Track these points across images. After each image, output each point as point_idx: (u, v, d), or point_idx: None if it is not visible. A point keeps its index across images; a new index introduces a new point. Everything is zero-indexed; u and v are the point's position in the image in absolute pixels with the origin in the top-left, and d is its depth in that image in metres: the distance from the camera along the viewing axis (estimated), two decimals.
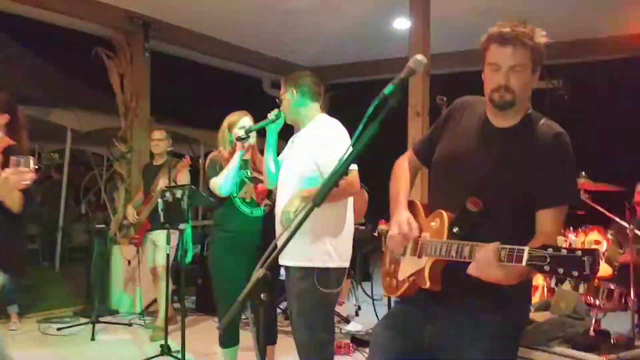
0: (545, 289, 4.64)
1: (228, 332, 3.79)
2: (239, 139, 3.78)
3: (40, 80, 9.36)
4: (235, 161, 3.81)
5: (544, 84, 7.02)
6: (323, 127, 3.23)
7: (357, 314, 6.35)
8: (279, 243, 1.70)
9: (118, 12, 6.79)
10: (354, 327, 5.81)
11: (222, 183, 3.80)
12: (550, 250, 1.65)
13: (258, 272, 1.58)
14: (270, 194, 3.90)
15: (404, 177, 2.36)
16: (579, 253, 1.60)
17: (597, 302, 4.22)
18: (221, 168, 3.87)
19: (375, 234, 5.29)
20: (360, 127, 1.71)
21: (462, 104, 2.27)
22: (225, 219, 3.94)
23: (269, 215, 3.77)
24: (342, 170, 1.69)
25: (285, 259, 3.13)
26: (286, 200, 3.17)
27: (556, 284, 4.37)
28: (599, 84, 8.64)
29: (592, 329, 3.92)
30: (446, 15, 6.25)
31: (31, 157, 2.81)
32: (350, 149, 1.73)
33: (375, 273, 7.26)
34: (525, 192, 2.01)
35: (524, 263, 1.70)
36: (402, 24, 7.17)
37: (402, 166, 2.41)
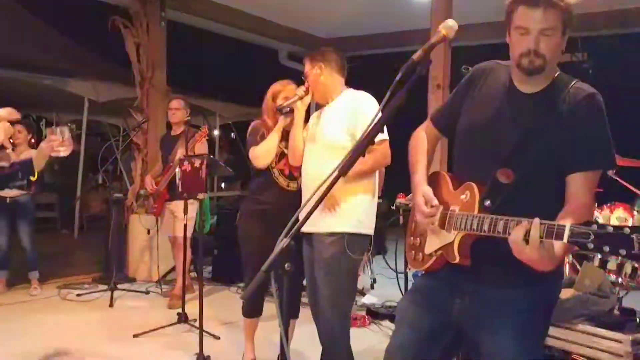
0: (568, 265, 4.59)
1: (252, 302, 3.80)
2: (281, 110, 3.64)
3: (58, 50, 9.35)
4: (276, 132, 3.67)
5: (568, 57, 6.89)
6: (355, 98, 3.25)
7: (372, 287, 6.35)
8: (303, 213, 1.67)
9: None
10: (369, 299, 5.83)
11: (261, 153, 3.68)
12: (594, 226, 1.55)
13: (282, 242, 1.55)
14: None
15: (422, 149, 2.27)
16: (627, 230, 1.50)
17: (620, 280, 4.16)
18: (263, 137, 3.73)
19: (393, 207, 5.27)
20: (388, 94, 1.65)
21: (483, 70, 2.16)
22: (261, 190, 3.79)
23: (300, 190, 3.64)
24: (369, 139, 1.65)
25: (312, 226, 3.14)
26: (314, 169, 3.23)
27: (581, 261, 4.31)
28: (625, 58, 8.45)
29: (617, 307, 3.86)
30: None
31: (67, 127, 2.85)
32: (377, 117, 1.67)
33: (389, 246, 7.23)
34: (558, 160, 1.92)
35: (565, 239, 1.59)
36: None
37: (420, 137, 2.32)
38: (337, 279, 3.17)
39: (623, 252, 1.51)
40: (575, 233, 1.58)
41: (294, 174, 3.69)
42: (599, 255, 4.14)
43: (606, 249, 1.53)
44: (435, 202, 2.06)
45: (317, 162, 3.25)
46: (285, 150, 3.68)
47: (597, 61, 7.57)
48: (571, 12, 1.90)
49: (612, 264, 4.11)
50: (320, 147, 3.26)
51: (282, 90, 3.79)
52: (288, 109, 3.59)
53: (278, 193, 3.71)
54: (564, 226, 1.60)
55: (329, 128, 3.24)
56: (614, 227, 1.53)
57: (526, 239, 1.68)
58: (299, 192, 3.63)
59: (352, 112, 3.17)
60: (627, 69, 8.69)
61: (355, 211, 3.17)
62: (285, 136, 3.68)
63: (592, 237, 1.55)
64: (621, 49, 8.49)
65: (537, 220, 1.67)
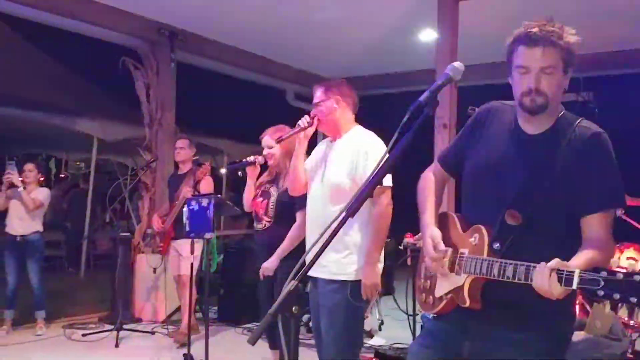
0: (579, 307, 4.53)
1: (275, 334, 3.84)
2: (248, 163, 4.11)
3: (68, 89, 9.49)
4: (250, 181, 4.15)
5: (574, 96, 6.91)
6: (361, 139, 3.20)
7: (380, 328, 6.26)
8: (311, 254, 1.65)
9: (145, 23, 6.85)
10: (377, 341, 5.75)
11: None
12: (604, 273, 1.52)
13: (290, 285, 1.53)
14: (266, 211, 4.05)
15: (430, 191, 2.27)
16: (638, 277, 1.48)
17: (632, 323, 4.09)
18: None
19: (401, 247, 5.23)
20: (395, 135, 1.66)
21: (488, 111, 2.16)
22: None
23: (270, 229, 4.00)
24: (376, 180, 1.64)
25: (317, 271, 3.12)
26: (318, 211, 3.19)
27: (591, 303, 4.25)
28: (631, 97, 8.48)
29: (629, 350, 3.79)
30: (474, 27, 6.19)
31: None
32: (385, 158, 1.67)
33: (399, 287, 7.16)
34: (567, 200, 1.91)
35: (574, 286, 1.59)
36: (428, 35, 7.12)
37: (428, 179, 2.31)
38: (341, 326, 3.08)
39: (634, 299, 1.48)
40: (585, 280, 1.56)
41: (259, 215, 4.06)
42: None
43: (616, 296, 1.50)
44: (442, 246, 2.04)
45: (321, 203, 3.20)
46: (258, 194, 4.11)
47: (603, 101, 7.58)
48: (571, 50, 1.91)
49: (623, 309, 4.04)
50: (325, 187, 3.20)
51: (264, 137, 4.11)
52: (252, 162, 4.10)
53: (256, 233, 4.16)
54: (573, 272, 1.59)
55: (333, 170, 3.19)
56: (624, 274, 1.50)
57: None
58: (270, 230, 3.99)
59: (355, 154, 3.11)
60: (634, 108, 8.72)
61: (358, 258, 3.08)
62: (267, 179, 4.13)
63: (602, 284, 1.52)
64: (627, 89, 8.52)
65: (544, 265, 1.68)
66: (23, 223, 5.86)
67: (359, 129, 3.29)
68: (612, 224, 1.94)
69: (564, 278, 1.61)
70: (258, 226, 4.08)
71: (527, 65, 1.90)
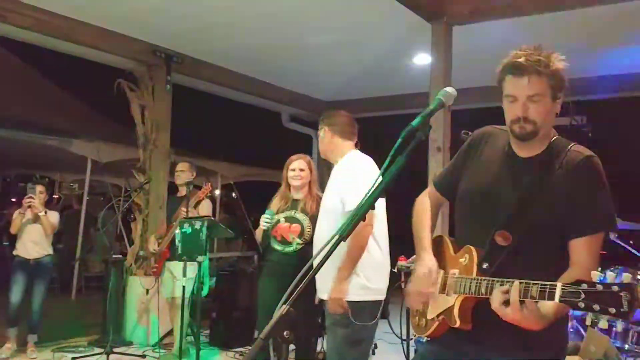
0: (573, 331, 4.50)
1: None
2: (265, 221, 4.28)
3: (64, 111, 9.50)
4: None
5: (567, 120, 6.97)
6: (351, 164, 3.34)
7: (373, 353, 6.20)
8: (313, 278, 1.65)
9: (142, 46, 6.88)
10: None
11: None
12: (584, 285, 1.55)
13: (281, 309, 1.52)
14: (302, 234, 4.20)
15: (426, 215, 2.30)
16: (616, 288, 1.49)
17: (626, 347, 4.07)
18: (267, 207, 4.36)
19: (394, 270, 5.21)
20: (388, 159, 1.67)
21: (482, 135, 2.20)
22: (265, 252, 4.37)
23: (300, 253, 4.17)
24: (369, 203, 1.64)
25: (322, 293, 3.20)
26: (320, 236, 3.34)
27: (584, 327, 4.24)
28: (624, 121, 8.55)
29: None
30: (467, 51, 6.24)
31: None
32: (378, 182, 1.68)
33: (392, 310, 7.11)
34: (557, 223, 1.92)
35: (556, 299, 1.60)
36: (422, 59, 7.17)
37: (424, 203, 2.34)
38: (345, 347, 3.12)
39: (612, 310, 1.50)
40: (567, 292, 1.58)
41: (287, 239, 4.20)
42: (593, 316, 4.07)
43: (596, 307, 1.52)
44: (432, 288, 2.07)
45: (320, 227, 3.39)
46: (282, 220, 4.23)
47: (596, 124, 7.65)
48: (559, 76, 1.93)
49: (619, 327, 4.02)
50: (323, 212, 3.39)
51: (294, 161, 4.34)
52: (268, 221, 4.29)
53: (276, 255, 4.24)
54: (555, 285, 1.61)
55: (327, 195, 3.39)
56: (604, 285, 1.52)
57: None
58: (298, 252, 4.15)
59: (343, 179, 3.29)
60: (626, 132, 8.79)
61: (358, 278, 3.14)
62: (292, 205, 4.29)
63: (582, 296, 1.54)
64: (620, 113, 8.60)
65: (516, 282, 1.72)
66: (37, 247, 5.87)
67: (353, 155, 3.41)
68: (599, 248, 1.94)
69: (547, 291, 1.63)
70: (287, 249, 4.19)
71: (515, 94, 1.94)
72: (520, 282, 1.73)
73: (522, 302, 1.70)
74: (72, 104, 10.10)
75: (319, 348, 5.06)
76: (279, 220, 4.25)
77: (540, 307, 1.72)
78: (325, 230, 3.29)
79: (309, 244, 4.09)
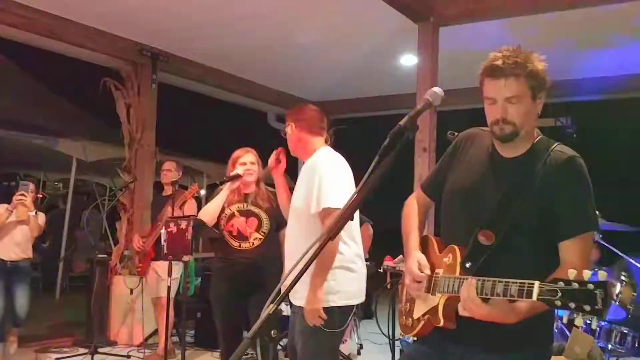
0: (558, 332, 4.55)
1: None
2: (228, 179, 3.98)
3: (50, 110, 9.42)
4: (219, 198, 4.01)
5: (552, 121, 7.03)
6: (318, 163, 3.15)
7: (359, 353, 6.22)
8: (289, 279, 1.64)
9: (128, 44, 6.84)
10: None
11: (203, 212, 4.04)
12: (561, 283, 1.57)
13: (268, 308, 1.52)
14: (260, 228, 4.02)
15: (414, 217, 2.31)
16: (591, 286, 1.52)
17: (610, 347, 4.12)
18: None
19: (380, 270, 5.23)
20: (376, 159, 1.67)
21: (468, 136, 2.22)
22: (219, 251, 4.13)
23: (259, 248, 4.00)
24: (357, 203, 1.64)
25: (292, 297, 3.08)
26: (290, 234, 3.21)
27: (569, 328, 4.27)
28: (609, 123, 8.64)
29: None
30: (454, 51, 6.28)
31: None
32: (365, 182, 1.68)
33: (379, 310, 7.14)
34: (540, 222, 1.93)
35: (534, 298, 1.62)
36: (409, 60, 7.20)
37: (412, 205, 2.36)
38: (313, 352, 3.02)
39: (587, 307, 1.52)
40: (544, 291, 1.60)
41: (244, 234, 3.99)
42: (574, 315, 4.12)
43: (572, 305, 1.54)
44: (427, 270, 2.06)
45: (291, 228, 3.24)
46: (236, 212, 4.02)
47: (581, 125, 7.73)
48: (538, 77, 1.94)
49: (594, 324, 4.08)
50: (293, 210, 3.23)
51: (241, 157, 4.11)
52: (234, 177, 3.98)
53: (232, 253, 4.02)
54: (533, 284, 1.63)
55: (295, 195, 3.23)
56: (580, 282, 1.54)
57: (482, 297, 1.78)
58: (260, 248, 3.96)
59: (310, 178, 3.08)
60: (610, 133, 8.88)
61: (327, 285, 2.96)
62: (238, 199, 4.04)
63: (559, 294, 1.56)
64: (604, 114, 8.69)
65: (471, 279, 1.80)
66: (18, 249, 5.43)
67: (322, 152, 3.22)
68: (588, 248, 1.97)
69: (525, 290, 1.65)
70: (243, 245, 4.01)
71: (493, 96, 1.96)
72: (499, 281, 1.74)
73: (487, 299, 1.76)
74: (57, 103, 10.01)
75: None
76: (233, 214, 4.03)
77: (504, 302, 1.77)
78: (295, 230, 3.17)
79: (268, 239, 4.00)
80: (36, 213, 5.47)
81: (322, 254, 2.92)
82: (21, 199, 5.29)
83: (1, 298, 5.37)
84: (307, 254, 1.59)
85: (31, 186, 5.51)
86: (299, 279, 1.55)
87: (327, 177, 3.02)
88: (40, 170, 11.73)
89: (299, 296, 3.02)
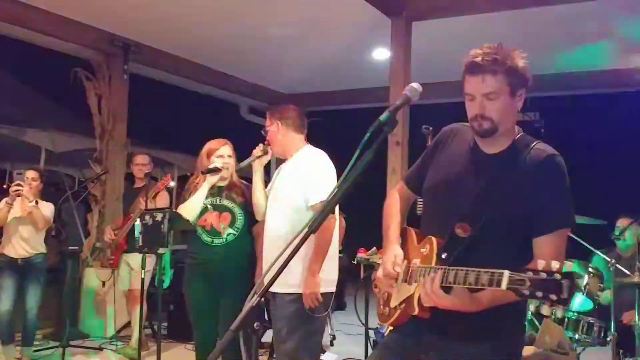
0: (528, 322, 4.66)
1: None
2: (208, 171, 3.82)
3: (17, 99, 9.22)
4: (201, 192, 3.84)
5: (520, 116, 7.14)
6: (309, 159, 3.35)
7: (332, 344, 6.28)
8: (272, 271, 1.67)
9: (99, 34, 6.75)
10: (329, 357, 5.76)
11: (185, 209, 3.87)
12: (530, 273, 1.60)
13: (252, 301, 1.55)
14: (234, 223, 3.87)
15: (395, 210, 2.35)
16: (558, 276, 1.56)
17: (577, 337, 4.24)
18: (190, 195, 3.90)
19: (354, 262, 5.27)
20: (356, 154, 1.70)
21: (451, 131, 2.26)
22: (191, 245, 3.99)
23: (232, 244, 3.85)
24: (338, 197, 1.68)
25: (274, 286, 3.12)
26: (275, 229, 3.29)
27: (540, 318, 4.38)
28: (576, 118, 8.80)
29: None
30: (426, 46, 6.34)
31: None
32: (346, 176, 1.71)
33: (349, 302, 7.21)
34: (517, 217, 1.97)
35: (503, 287, 1.65)
36: (382, 54, 7.25)
37: (394, 198, 2.40)
38: (298, 336, 3.15)
39: (553, 297, 1.56)
40: (513, 280, 1.64)
41: (217, 229, 3.83)
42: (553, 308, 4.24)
43: (539, 294, 1.58)
44: (399, 268, 2.11)
45: (277, 221, 3.34)
46: (209, 207, 3.85)
47: (548, 121, 7.85)
48: (518, 73, 1.98)
49: (559, 313, 4.21)
50: (279, 205, 3.35)
51: (217, 149, 3.92)
52: (213, 170, 3.80)
53: (204, 248, 3.87)
54: (503, 273, 1.67)
55: (285, 188, 3.35)
56: (547, 272, 1.58)
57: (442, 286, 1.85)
58: (229, 244, 3.82)
59: (305, 173, 3.28)
60: (578, 128, 9.06)
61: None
62: (216, 192, 3.88)
63: (527, 283, 1.60)
64: (572, 110, 8.85)
65: (437, 273, 1.87)
66: (27, 244, 5.15)
67: (307, 150, 3.42)
68: (563, 244, 2.00)
69: (495, 279, 1.69)
70: (216, 241, 3.85)
71: (472, 92, 2.00)
72: (472, 271, 1.78)
73: (449, 289, 1.84)
74: (25, 92, 9.79)
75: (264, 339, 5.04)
76: (206, 208, 3.86)
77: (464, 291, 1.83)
78: (281, 224, 3.29)
79: (242, 235, 3.87)
80: (36, 203, 5.07)
81: (320, 240, 3.10)
82: (17, 189, 4.94)
83: (9, 299, 5.14)
84: (290, 245, 1.62)
85: (30, 174, 5.14)
86: (282, 270, 1.58)
87: (324, 172, 3.25)
88: (7, 161, 11.50)
89: (279, 282, 3.07)
